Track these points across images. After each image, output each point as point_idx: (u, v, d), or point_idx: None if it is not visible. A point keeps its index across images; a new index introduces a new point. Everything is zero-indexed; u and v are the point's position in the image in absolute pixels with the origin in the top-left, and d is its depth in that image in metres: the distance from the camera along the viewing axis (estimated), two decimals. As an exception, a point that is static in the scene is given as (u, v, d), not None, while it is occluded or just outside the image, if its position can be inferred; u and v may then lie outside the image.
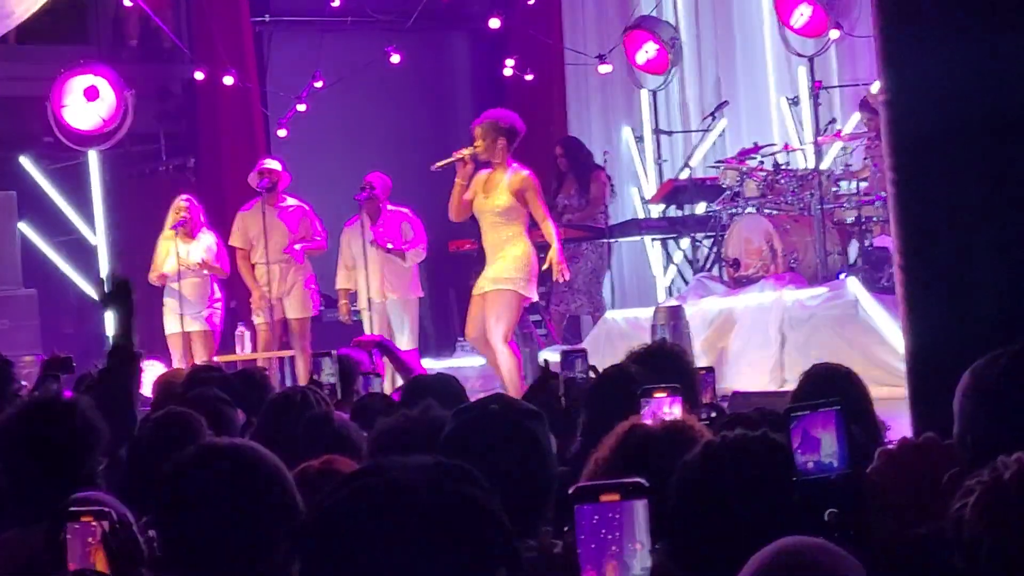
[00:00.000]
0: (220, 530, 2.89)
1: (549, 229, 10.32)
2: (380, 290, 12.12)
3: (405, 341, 12.10)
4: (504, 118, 10.42)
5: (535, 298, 10.71)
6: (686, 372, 5.28)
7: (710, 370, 5.88)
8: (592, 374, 5.39)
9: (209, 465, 2.99)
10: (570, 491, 2.19)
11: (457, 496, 2.03)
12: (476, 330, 10.33)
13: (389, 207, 12.36)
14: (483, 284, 10.30)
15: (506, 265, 10.20)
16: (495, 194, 10.25)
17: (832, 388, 4.66)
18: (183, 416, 4.68)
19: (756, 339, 11.54)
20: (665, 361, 5.29)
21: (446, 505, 2.01)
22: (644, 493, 2.18)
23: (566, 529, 2.19)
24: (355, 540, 1.99)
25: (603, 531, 2.16)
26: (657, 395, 4.09)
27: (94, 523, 3.19)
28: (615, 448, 3.23)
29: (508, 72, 15.32)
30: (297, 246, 12.30)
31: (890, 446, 3.01)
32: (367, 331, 11.98)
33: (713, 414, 5.14)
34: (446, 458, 2.14)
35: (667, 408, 4.05)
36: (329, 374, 6.57)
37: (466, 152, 10.25)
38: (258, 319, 12.33)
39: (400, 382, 7.69)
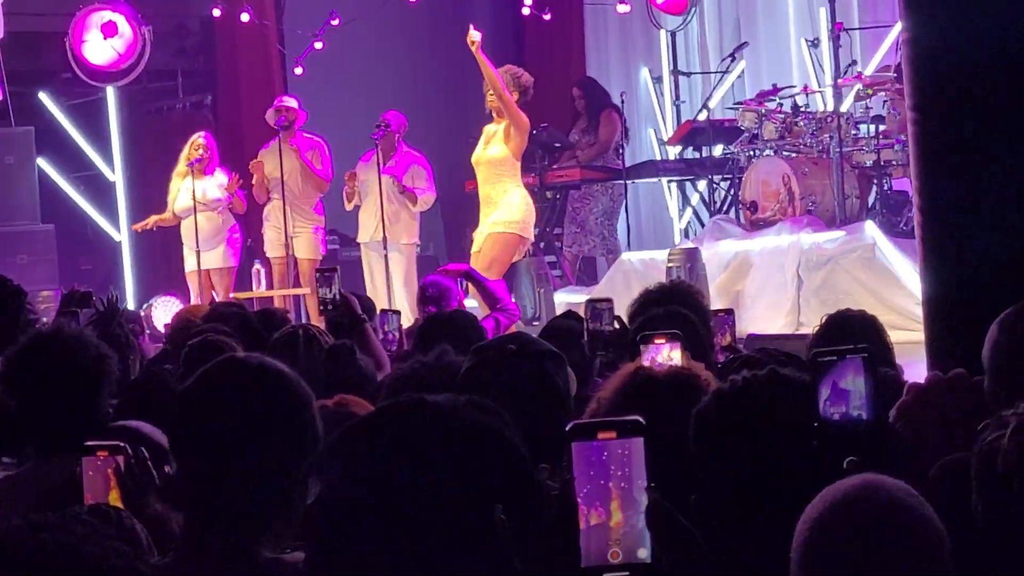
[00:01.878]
0: (235, 446, 2.77)
1: (508, 104, 10.29)
2: (384, 230, 12.03)
3: (401, 285, 12.01)
4: (522, 74, 10.75)
5: (531, 239, 10.81)
6: (700, 312, 5.24)
7: (729, 312, 5.83)
8: (617, 325, 5.33)
9: (231, 377, 2.86)
10: (567, 428, 2.18)
11: (481, 425, 2.03)
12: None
13: (404, 149, 12.33)
14: (483, 228, 10.47)
15: (506, 210, 10.37)
16: (491, 143, 10.47)
17: (853, 334, 4.65)
18: (219, 343, 4.64)
19: (773, 282, 11.52)
20: (679, 300, 5.25)
21: (471, 434, 2.01)
22: (641, 431, 2.17)
23: (563, 466, 2.17)
24: (378, 464, 1.98)
25: (601, 469, 2.15)
26: (656, 341, 4.05)
27: (110, 457, 3.20)
28: (618, 389, 3.21)
29: (526, 12, 15.24)
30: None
31: (917, 381, 3.00)
32: (365, 268, 12.01)
33: (731, 357, 5.09)
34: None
35: (666, 354, 4.01)
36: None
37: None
38: (273, 254, 12.35)
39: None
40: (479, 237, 10.56)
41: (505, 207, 10.43)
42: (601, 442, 2.16)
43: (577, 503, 2.13)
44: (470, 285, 8.69)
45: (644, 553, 2.15)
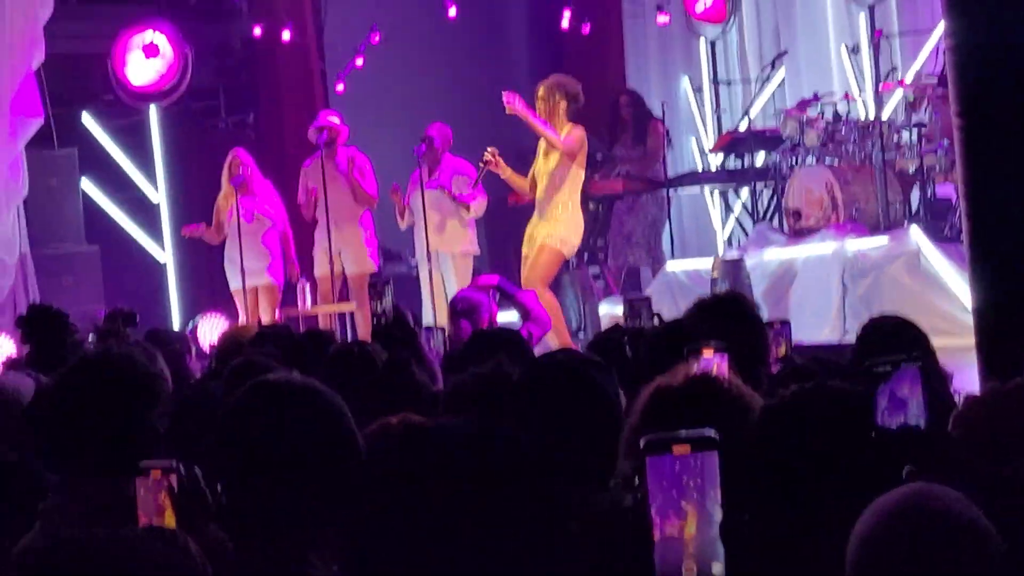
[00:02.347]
0: (274, 465, 2.80)
1: (552, 139, 10.52)
2: (436, 244, 12.06)
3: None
4: (569, 81, 10.80)
5: (569, 256, 11.02)
6: (752, 324, 5.18)
7: (785, 323, 5.75)
8: (657, 321, 5.31)
9: (268, 401, 2.89)
10: (641, 443, 2.19)
11: (504, 456, 2.04)
12: (530, 280, 10.61)
13: (448, 160, 12.35)
14: (535, 237, 10.66)
15: (557, 225, 10.56)
16: (550, 156, 10.60)
17: (897, 340, 4.61)
18: (262, 365, 4.65)
19: (817, 290, 11.48)
20: (732, 312, 5.20)
21: (493, 467, 2.02)
22: (714, 445, 2.17)
23: (637, 482, 2.17)
24: (413, 497, 1.99)
25: (676, 482, 2.15)
26: (705, 352, 4.03)
27: (163, 478, 3.20)
28: (643, 412, 3.19)
29: (565, 24, 15.26)
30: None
31: (973, 393, 2.98)
32: (422, 286, 12.01)
33: (783, 369, 5.03)
34: (515, 410, 2.14)
35: (715, 366, 3.98)
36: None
37: (486, 156, 10.76)
38: (320, 272, 12.37)
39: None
40: (531, 244, 10.64)
41: (554, 221, 10.48)
42: (675, 456, 2.16)
43: (651, 517, 2.13)
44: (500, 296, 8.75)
45: (719, 568, 2.14)
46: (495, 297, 8.56)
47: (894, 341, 4.62)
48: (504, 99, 10.62)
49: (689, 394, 3.10)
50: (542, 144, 10.76)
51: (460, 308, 7.75)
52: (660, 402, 3.10)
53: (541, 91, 10.67)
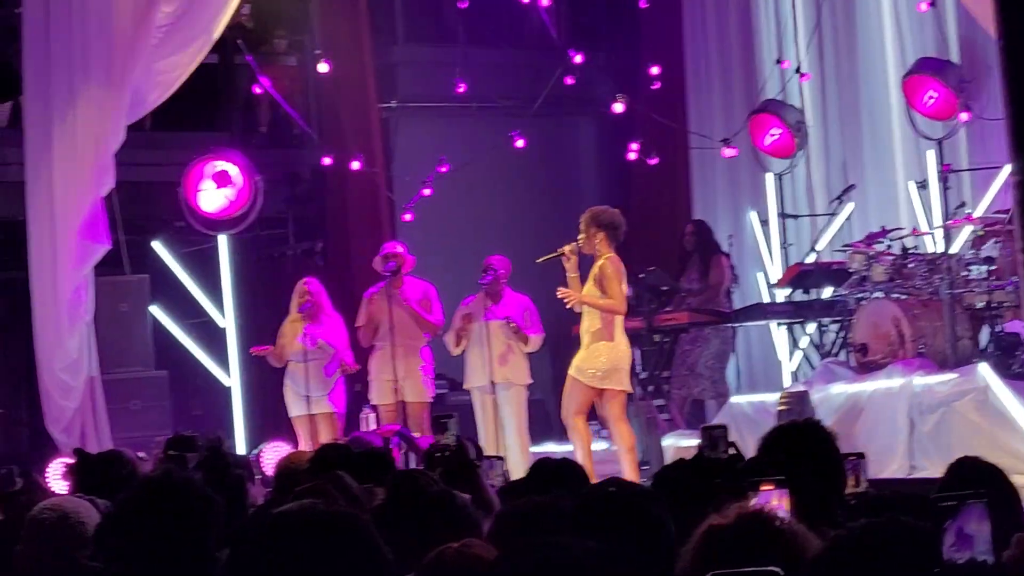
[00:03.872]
0: None
1: (609, 304, 10.75)
2: (492, 374, 12.10)
3: (515, 426, 12.10)
4: (603, 212, 11.06)
5: (621, 387, 11.08)
6: (829, 455, 5.06)
7: (860, 456, 5.65)
8: (733, 450, 5.23)
9: (280, 530, 2.93)
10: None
11: None
12: (565, 408, 11.02)
13: (511, 293, 12.43)
14: (574, 369, 10.98)
15: (590, 356, 10.85)
16: (587, 285, 10.89)
17: (979, 483, 4.53)
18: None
19: (884, 426, 11.36)
20: (808, 443, 5.09)
21: None
22: None
23: None
24: None
25: None
26: (764, 487, 3.94)
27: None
28: (696, 548, 3.13)
29: (632, 156, 15.35)
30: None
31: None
32: (477, 413, 12.07)
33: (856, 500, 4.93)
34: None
35: (775, 501, 3.90)
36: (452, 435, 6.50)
37: (567, 248, 10.90)
38: (381, 401, 12.39)
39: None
40: (575, 368, 10.95)
41: (589, 352, 10.90)
42: None
43: None
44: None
45: None
46: (399, 443, 8.80)
47: (979, 484, 4.53)
48: (559, 295, 10.92)
49: (740, 533, 3.06)
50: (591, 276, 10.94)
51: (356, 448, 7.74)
52: (711, 541, 3.06)
53: (581, 224, 10.95)
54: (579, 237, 10.91)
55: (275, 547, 2.91)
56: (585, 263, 11.13)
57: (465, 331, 12.17)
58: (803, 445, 4.95)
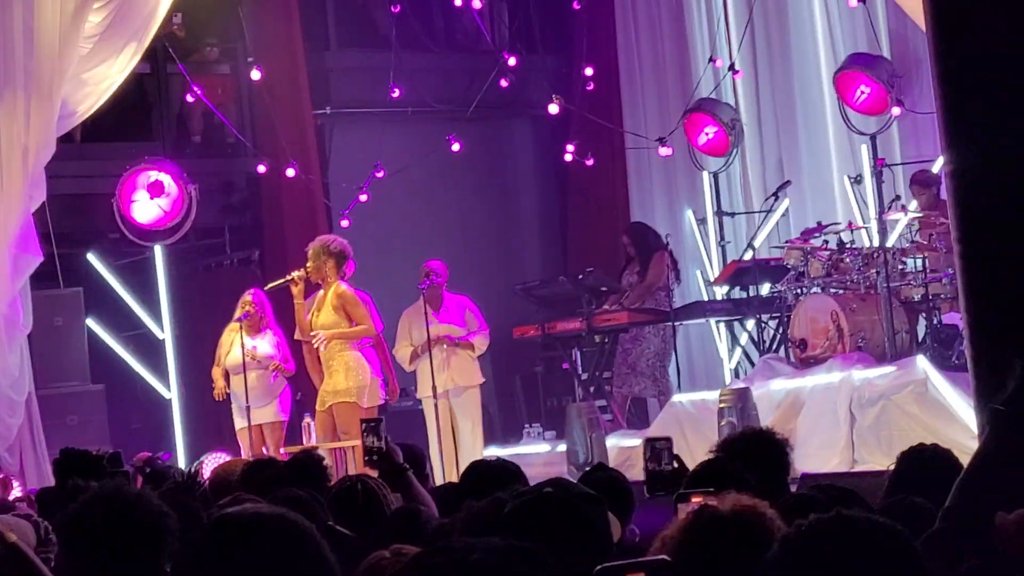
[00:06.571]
0: None
1: (363, 332, 11.23)
2: (444, 379, 12.09)
3: (469, 429, 12.08)
4: (333, 241, 11.49)
5: (380, 401, 11.42)
6: (773, 463, 5.12)
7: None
8: (676, 464, 5.21)
9: (222, 535, 2.91)
10: (594, 572, 2.15)
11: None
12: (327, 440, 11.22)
13: (449, 296, 12.40)
14: (325, 399, 11.29)
15: (342, 377, 11.15)
16: (322, 312, 11.25)
17: (932, 470, 4.58)
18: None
19: (825, 420, 11.40)
20: (758, 449, 5.14)
21: None
22: (669, 570, 2.14)
23: None
24: None
25: None
26: (695, 500, 3.93)
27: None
28: (683, 527, 3.15)
29: (569, 157, 15.36)
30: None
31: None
32: (428, 421, 12.02)
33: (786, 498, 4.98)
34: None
35: None
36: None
37: (296, 274, 11.35)
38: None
39: None
40: (324, 396, 11.35)
41: (337, 374, 11.25)
42: None
43: None
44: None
45: None
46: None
47: (931, 471, 4.60)
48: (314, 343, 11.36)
49: (736, 523, 3.08)
50: (316, 298, 11.36)
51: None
52: (704, 523, 3.07)
53: (309, 253, 11.36)
54: (307, 265, 11.27)
55: (215, 550, 2.87)
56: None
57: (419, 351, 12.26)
58: (752, 449, 5.02)
